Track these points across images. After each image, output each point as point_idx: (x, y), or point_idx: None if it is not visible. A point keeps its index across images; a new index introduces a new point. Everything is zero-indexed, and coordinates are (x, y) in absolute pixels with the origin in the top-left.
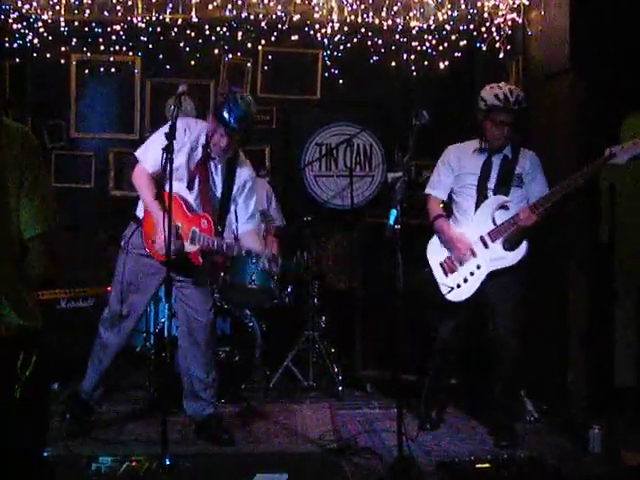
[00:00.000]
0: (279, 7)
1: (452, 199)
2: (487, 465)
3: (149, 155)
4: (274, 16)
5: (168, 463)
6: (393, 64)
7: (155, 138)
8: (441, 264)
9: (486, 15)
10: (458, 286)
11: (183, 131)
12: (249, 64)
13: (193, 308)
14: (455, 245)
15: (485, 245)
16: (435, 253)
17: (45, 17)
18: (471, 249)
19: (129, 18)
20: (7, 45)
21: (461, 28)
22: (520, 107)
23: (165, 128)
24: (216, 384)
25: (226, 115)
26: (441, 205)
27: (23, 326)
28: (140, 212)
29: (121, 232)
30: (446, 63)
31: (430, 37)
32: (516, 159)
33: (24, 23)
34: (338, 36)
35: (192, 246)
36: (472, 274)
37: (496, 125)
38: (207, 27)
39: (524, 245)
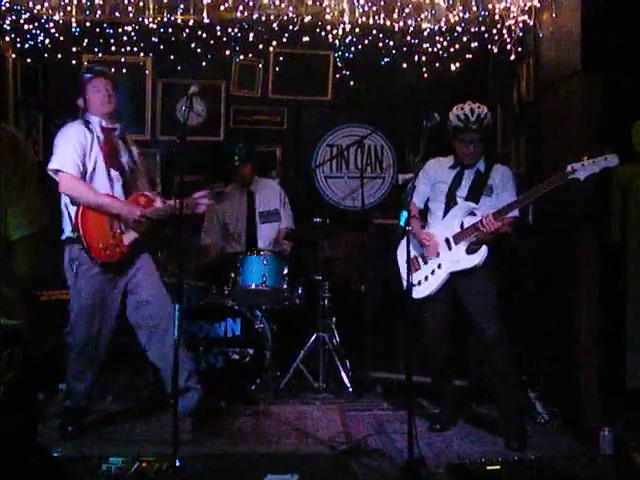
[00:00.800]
0: (290, 8)
1: (428, 207)
2: (497, 467)
3: (67, 161)
4: (285, 17)
5: (179, 464)
6: (404, 66)
7: (63, 145)
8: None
9: (497, 17)
10: (419, 283)
11: (84, 135)
12: (260, 65)
13: (150, 300)
14: (423, 242)
15: (449, 247)
16: (403, 252)
17: (56, 18)
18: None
19: (140, 19)
20: (18, 46)
21: (472, 30)
22: (482, 125)
23: (65, 131)
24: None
25: (85, 73)
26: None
27: (5, 325)
28: (69, 232)
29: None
30: (457, 65)
31: (441, 39)
32: (489, 173)
33: (35, 24)
34: (349, 37)
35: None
36: (433, 272)
37: (462, 143)
38: (218, 28)
39: (483, 250)
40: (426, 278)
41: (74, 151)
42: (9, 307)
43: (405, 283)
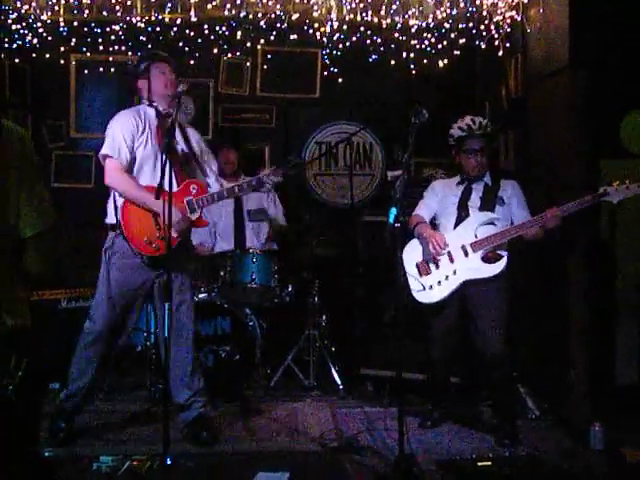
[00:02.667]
0: (278, 6)
1: (435, 224)
2: (488, 463)
3: (116, 149)
4: (273, 15)
5: (169, 462)
6: (392, 62)
7: (113, 132)
8: (417, 265)
9: (485, 13)
10: (430, 287)
11: (135, 121)
12: (248, 63)
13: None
14: (431, 241)
15: (465, 254)
16: (411, 255)
17: (44, 17)
18: (449, 254)
19: (128, 18)
20: (7, 46)
21: (460, 26)
22: (485, 132)
23: (117, 118)
24: (203, 386)
25: (145, 59)
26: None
27: (14, 326)
28: (112, 219)
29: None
30: (445, 61)
31: (429, 35)
32: (498, 185)
33: (23, 24)
34: (337, 35)
35: (194, 214)
36: (447, 278)
37: (467, 154)
38: (206, 26)
39: (504, 260)
40: (439, 283)
41: (123, 139)
42: (16, 308)
43: (412, 284)
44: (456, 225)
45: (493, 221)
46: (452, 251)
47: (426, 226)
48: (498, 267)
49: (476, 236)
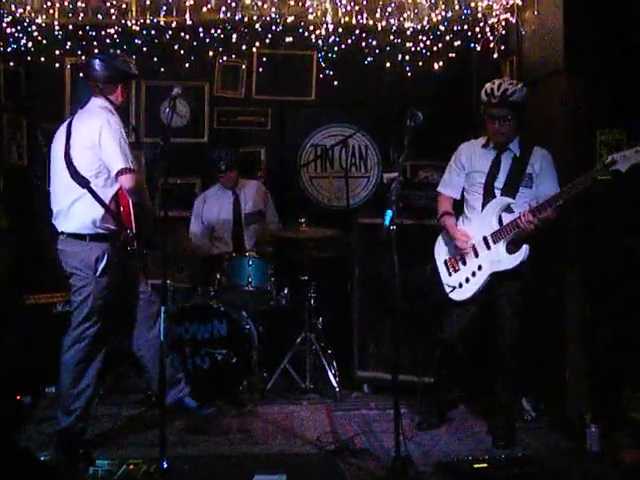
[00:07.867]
0: (273, 9)
1: (464, 197)
2: (485, 465)
3: (130, 159)
4: (268, 18)
5: (166, 466)
6: (387, 65)
7: (122, 144)
8: (445, 262)
9: (480, 15)
10: (460, 285)
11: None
12: (244, 66)
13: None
14: (457, 238)
15: (487, 246)
16: (440, 251)
17: (39, 21)
18: (474, 248)
19: (123, 21)
20: (1, 49)
21: (455, 29)
22: (506, 100)
23: (115, 129)
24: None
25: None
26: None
27: None
28: (102, 229)
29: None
30: (440, 64)
31: (424, 38)
32: (527, 158)
33: (18, 27)
34: (332, 37)
35: None
36: (474, 274)
37: (489, 120)
38: (201, 30)
39: (524, 249)
40: (467, 280)
41: (128, 147)
42: None
43: (445, 284)
44: (482, 207)
45: (511, 206)
46: (476, 244)
47: (451, 221)
48: (519, 257)
49: (500, 222)
